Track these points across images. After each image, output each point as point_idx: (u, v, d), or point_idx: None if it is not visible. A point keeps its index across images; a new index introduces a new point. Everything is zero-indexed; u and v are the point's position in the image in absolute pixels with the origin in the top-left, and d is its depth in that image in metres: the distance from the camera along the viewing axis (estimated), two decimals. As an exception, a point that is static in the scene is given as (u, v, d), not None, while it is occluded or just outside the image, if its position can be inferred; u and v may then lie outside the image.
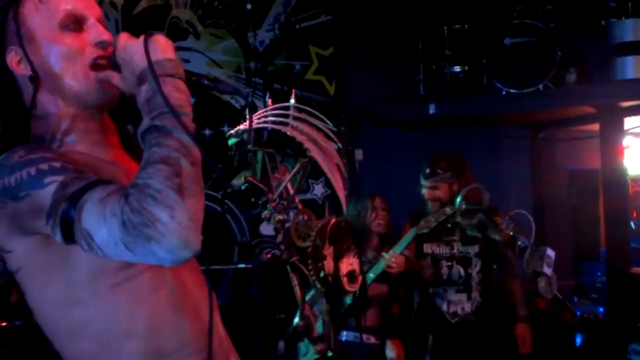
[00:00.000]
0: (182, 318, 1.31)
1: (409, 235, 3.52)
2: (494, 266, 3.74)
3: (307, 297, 2.53)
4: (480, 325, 3.60)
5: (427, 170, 3.60)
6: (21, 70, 1.32)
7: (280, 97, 1.95)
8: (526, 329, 3.68)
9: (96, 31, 1.32)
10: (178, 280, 1.33)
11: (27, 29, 1.31)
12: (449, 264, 3.63)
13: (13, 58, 1.32)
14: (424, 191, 3.62)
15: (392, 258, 3.45)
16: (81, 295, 1.24)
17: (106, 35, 1.32)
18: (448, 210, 3.41)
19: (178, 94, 1.16)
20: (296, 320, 3.32)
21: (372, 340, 3.61)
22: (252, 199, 1.74)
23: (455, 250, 3.64)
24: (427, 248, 3.68)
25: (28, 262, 1.25)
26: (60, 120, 1.32)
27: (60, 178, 1.14)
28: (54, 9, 1.31)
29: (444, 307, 3.61)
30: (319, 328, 2.87)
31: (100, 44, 1.31)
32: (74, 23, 1.31)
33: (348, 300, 3.35)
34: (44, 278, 1.25)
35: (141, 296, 1.27)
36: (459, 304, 3.60)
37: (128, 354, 1.26)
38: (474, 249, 3.62)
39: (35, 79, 1.30)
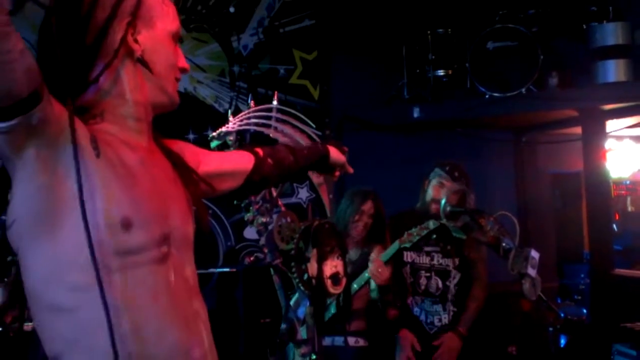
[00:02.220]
0: (169, 326, 1.28)
1: (391, 249, 3.45)
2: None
3: (292, 301, 2.53)
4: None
5: (456, 173, 3.52)
6: (132, 43, 1.33)
7: (264, 101, 1.95)
8: (456, 341, 3.58)
9: (183, 58, 1.44)
10: (175, 287, 1.31)
11: (150, 13, 1.35)
12: (428, 274, 3.61)
13: (130, 30, 1.32)
14: (442, 189, 3.47)
15: (378, 269, 3.39)
16: (74, 279, 1.21)
17: (187, 66, 1.45)
18: (431, 224, 3.38)
19: None
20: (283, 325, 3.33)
21: (361, 342, 3.60)
22: (235, 201, 1.74)
23: (435, 262, 3.62)
24: (407, 257, 3.63)
25: (20, 214, 1.22)
26: (121, 105, 1.33)
27: None
28: (172, 16, 1.40)
29: (422, 316, 3.61)
30: (303, 332, 2.86)
31: (182, 71, 1.43)
32: (176, 39, 1.42)
33: (332, 309, 3.37)
34: (32, 242, 1.22)
35: (133, 294, 1.24)
36: (435, 315, 3.59)
37: (102, 352, 1.20)
38: (453, 262, 3.61)
39: (141, 61, 1.34)
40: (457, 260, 3.62)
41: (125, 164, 1.29)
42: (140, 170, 1.31)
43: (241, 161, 1.68)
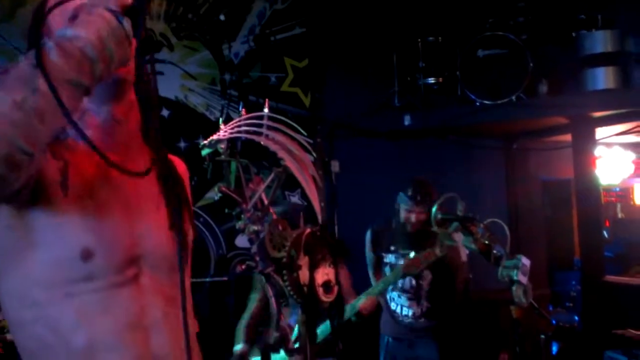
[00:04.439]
0: (126, 344, 1.29)
1: (392, 277, 3.77)
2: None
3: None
4: (430, 323, 3.94)
5: (418, 197, 3.81)
6: None
7: (255, 109, 1.94)
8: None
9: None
10: (138, 304, 1.31)
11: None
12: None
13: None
14: (411, 215, 3.84)
15: (367, 303, 3.72)
16: (35, 297, 1.24)
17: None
18: (438, 252, 3.58)
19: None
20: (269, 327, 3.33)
21: None
22: (226, 210, 1.72)
23: None
24: (387, 258, 4.01)
25: None
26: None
27: None
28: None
29: (398, 309, 3.99)
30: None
31: None
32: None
33: (326, 328, 3.40)
34: (3, 265, 1.26)
35: (89, 312, 1.26)
36: (410, 308, 3.96)
37: None
38: None
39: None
40: None
41: (94, 194, 1.28)
42: (112, 191, 1.31)
43: None
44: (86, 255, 1.24)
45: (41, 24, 1.28)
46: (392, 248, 3.99)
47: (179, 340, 1.36)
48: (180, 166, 1.55)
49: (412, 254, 3.80)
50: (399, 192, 3.92)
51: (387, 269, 4.01)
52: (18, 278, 1.25)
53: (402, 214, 3.89)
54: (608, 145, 6.29)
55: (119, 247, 1.29)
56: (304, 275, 1.74)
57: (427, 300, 3.93)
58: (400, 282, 3.92)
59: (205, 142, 1.85)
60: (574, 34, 5.21)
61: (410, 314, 3.96)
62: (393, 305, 4.02)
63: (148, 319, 1.32)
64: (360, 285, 4.14)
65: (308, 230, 1.79)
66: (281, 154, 1.71)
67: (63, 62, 1.08)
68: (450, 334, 4.03)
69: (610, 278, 5.32)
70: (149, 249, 1.34)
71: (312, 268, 1.74)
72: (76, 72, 1.09)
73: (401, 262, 3.90)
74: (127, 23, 1.15)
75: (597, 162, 5.63)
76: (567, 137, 5.51)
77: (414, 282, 3.92)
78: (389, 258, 4.02)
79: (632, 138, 6.24)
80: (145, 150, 1.40)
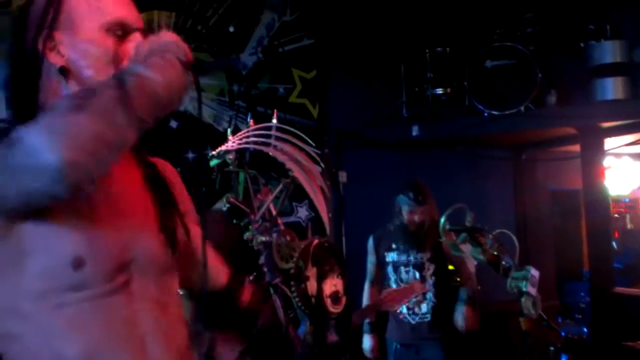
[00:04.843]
0: (121, 352, 1.27)
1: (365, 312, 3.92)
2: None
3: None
4: (436, 323, 3.99)
5: (420, 198, 3.98)
6: (52, 57, 1.29)
7: (263, 120, 1.94)
8: (467, 309, 4.02)
9: (131, 44, 1.32)
10: (130, 311, 1.29)
11: (70, 18, 1.29)
12: (407, 269, 4.05)
13: (48, 44, 1.29)
14: (414, 216, 3.98)
15: None
16: (23, 308, 1.22)
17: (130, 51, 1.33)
18: (418, 288, 3.73)
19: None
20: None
21: None
22: (234, 221, 1.73)
23: (411, 257, 4.05)
24: (389, 257, 4.12)
25: None
26: None
27: None
28: (105, 9, 1.31)
29: (405, 310, 4.01)
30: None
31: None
32: (121, 31, 1.31)
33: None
34: None
35: (81, 322, 1.23)
36: (416, 305, 3.99)
37: None
38: (425, 255, 4.03)
39: (65, 71, 1.29)
40: (428, 254, 4.03)
41: (85, 200, 1.26)
42: (102, 197, 1.29)
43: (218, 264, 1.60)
44: (77, 263, 1.22)
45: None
46: (394, 246, 4.11)
47: (172, 346, 1.35)
48: (167, 168, 1.53)
49: (403, 276, 3.97)
50: (399, 195, 4.05)
51: (389, 269, 4.09)
52: (6, 290, 1.22)
53: (405, 216, 4.01)
54: (617, 155, 6.27)
55: (110, 254, 1.28)
56: (311, 286, 1.74)
57: (434, 295, 3.99)
58: (404, 278, 4.03)
59: (214, 153, 1.86)
60: (582, 45, 5.20)
61: (417, 309, 4.01)
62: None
63: (141, 326, 1.30)
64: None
65: (316, 241, 1.79)
66: (289, 164, 1.71)
67: (141, 102, 1.13)
68: (457, 338, 4.05)
69: (620, 289, 5.29)
70: (139, 254, 1.32)
71: (320, 279, 1.74)
72: (147, 113, 1.14)
73: (403, 258, 4.06)
74: (190, 77, 1.22)
75: (606, 172, 5.60)
76: (576, 148, 5.50)
77: (417, 274, 4.02)
78: (391, 256, 4.12)
79: (641, 149, 6.21)
80: (130, 156, 1.40)
